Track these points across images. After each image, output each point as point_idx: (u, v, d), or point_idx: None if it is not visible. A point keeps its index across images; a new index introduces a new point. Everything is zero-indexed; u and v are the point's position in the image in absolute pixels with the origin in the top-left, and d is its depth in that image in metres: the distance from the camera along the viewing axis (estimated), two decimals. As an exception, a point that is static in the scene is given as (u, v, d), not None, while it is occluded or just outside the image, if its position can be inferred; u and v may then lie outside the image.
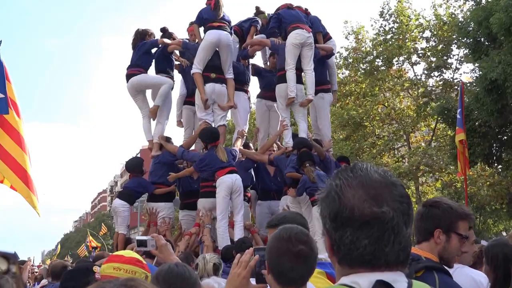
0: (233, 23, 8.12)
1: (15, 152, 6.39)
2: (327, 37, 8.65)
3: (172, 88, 8.18)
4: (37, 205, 6.34)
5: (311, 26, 8.05)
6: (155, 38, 8.00)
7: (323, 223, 1.15)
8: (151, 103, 8.07)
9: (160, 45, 7.90)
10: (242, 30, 8.38)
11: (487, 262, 2.68)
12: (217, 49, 7.62)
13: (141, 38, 7.91)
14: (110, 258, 2.67)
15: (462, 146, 9.37)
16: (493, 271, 2.60)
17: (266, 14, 8.56)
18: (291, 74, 7.57)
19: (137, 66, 7.81)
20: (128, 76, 7.81)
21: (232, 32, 7.94)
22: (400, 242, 1.08)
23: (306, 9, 8.51)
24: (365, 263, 1.09)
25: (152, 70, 8.10)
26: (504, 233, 30.31)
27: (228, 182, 6.81)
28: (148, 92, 8.26)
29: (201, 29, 7.87)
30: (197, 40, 7.90)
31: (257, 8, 8.71)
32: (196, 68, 7.52)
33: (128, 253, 2.68)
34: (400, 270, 1.10)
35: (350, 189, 1.10)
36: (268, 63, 8.78)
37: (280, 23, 7.96)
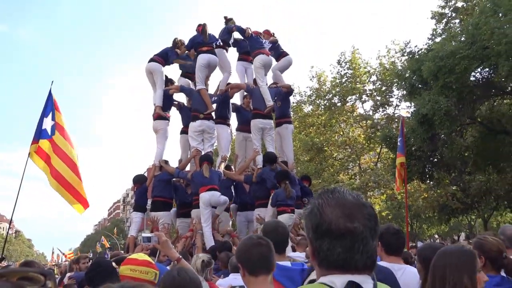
0: (217, 35, 8.41)
1: (61, 168, 6.30)
2: (283, 55, 8.62)
3: (168, 123, 8.36)
4: (80, 210, 6.37)
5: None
6: (180, 53, 8.35)
7: (307, 233, 1.15)
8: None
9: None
10: (225, 41, 8.52)
11: (419, 261, 2.66)
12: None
13: (174, 46, 8.34)
14: (126, 261, 2.61)
15: (402, 167, 9.55)
16: (423, 269, 2.57)
17: (233, 20, 8.72)
18: (264, 88, 7.82)
19: (161, 57, 8.18)
20: (151, 60, 8.16)
21: (215, 48, 8.14)
22: (368, 252, 1.08)
23: (273, 34, 8.60)
24: (339, 267, 1.09)
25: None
26: (436, 236, 30.68)
27: (205, 198, 6.95)
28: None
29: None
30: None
31: (225, 17, 8.79)
32: (200, 85, 7.88)
33: (140, 256, 2.63)
34: (368, 274, 1.10)
35: (329, 208, 1.10)
36: (243, 103, 8.85)
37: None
